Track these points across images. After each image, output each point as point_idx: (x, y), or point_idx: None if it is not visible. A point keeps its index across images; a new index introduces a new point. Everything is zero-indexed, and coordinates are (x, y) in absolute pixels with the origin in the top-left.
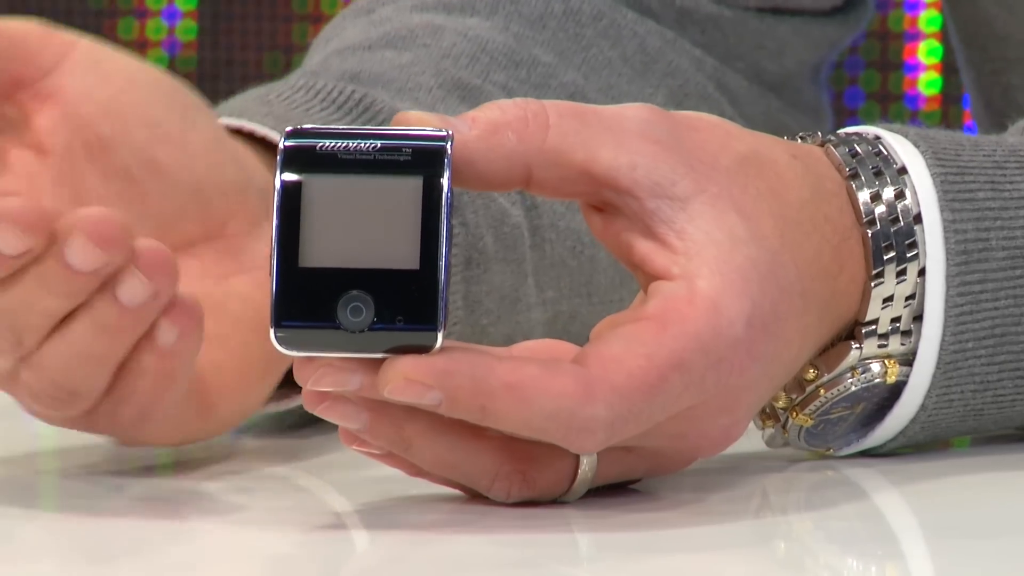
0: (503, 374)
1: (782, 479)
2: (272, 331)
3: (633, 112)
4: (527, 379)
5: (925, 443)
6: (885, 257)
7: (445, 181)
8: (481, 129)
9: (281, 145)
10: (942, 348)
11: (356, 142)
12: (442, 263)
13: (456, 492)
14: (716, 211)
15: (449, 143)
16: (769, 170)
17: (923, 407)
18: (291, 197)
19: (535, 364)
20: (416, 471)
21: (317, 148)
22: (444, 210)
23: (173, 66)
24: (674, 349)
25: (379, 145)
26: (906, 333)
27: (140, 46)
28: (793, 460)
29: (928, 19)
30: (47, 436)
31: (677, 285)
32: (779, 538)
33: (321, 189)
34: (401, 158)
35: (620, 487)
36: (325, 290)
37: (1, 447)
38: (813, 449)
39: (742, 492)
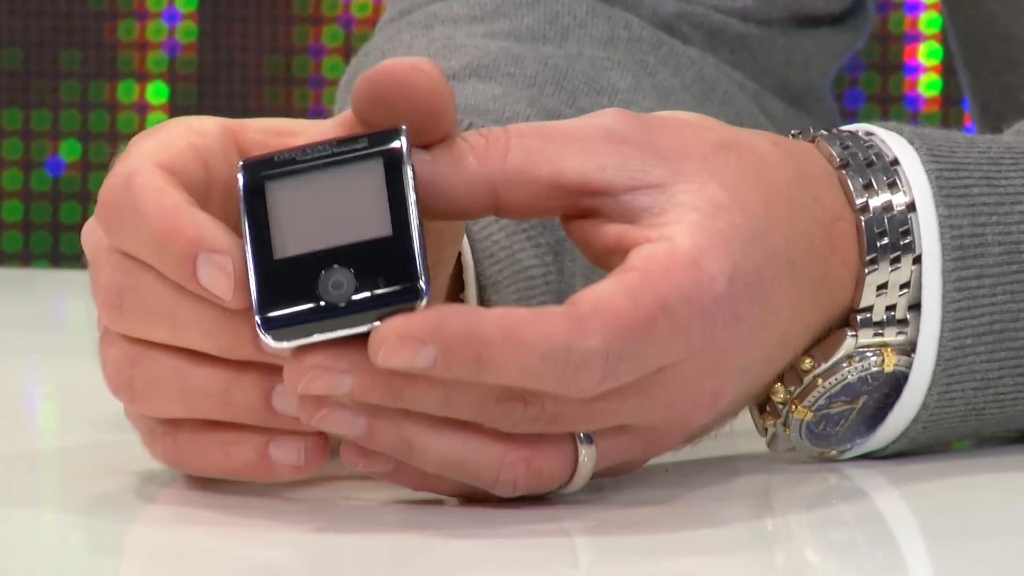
0: (495, 319)
1: (782, 481)
2: (259, 325)
3: (597, 120)
4: (519, 321)
5: (928, 446)
6: (879, 244)
7: (404, 150)
8: (442, 155)
9: (240, 163)
10: (941, 344)
11: (312, 148)
12: (414, 223)
13: None
14: (696, 185)
15: (404, 133)
16: (749, 154)
17: (924, 406)
18: (255, 195)
19: (525, 309)
20: (421, 482)
21: (275, 158)
22: (408, 174)
23: (173, 68)
24: (658, 294)
25: (335, 145)
26: (902, 322)
27: (140, 48)
28: (793, 462)
29: (928, 21)
30: (49, 431)
31: (657, 244)
32: (778, 540)
33: (284, 185)
34: (358, 147)
35: (620, 487)
36: (304, 273)
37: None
38: (817, 450)
39: (741, 493)
